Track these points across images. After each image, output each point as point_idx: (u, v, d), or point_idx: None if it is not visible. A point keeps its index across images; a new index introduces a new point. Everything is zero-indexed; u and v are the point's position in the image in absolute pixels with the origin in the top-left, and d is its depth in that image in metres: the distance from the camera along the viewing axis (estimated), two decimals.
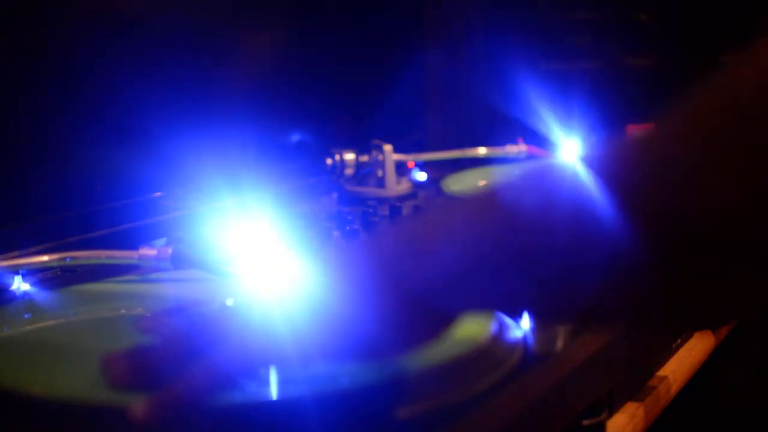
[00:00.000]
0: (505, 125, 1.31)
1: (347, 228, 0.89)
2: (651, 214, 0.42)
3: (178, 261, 0.72)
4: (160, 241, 0.76)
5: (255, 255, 0.70)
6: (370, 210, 0.96)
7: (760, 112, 0.40)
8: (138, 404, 0.43)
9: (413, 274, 0.44)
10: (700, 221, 0.41)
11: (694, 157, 0.41)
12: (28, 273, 0.73)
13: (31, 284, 0.72)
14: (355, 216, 0.94)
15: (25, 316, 0.64)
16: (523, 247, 0.43)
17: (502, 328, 0.55)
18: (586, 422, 0.57)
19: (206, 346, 0.44)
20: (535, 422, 0.51)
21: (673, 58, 1.28)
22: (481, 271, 0.44)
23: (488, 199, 0.45)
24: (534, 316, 0.53)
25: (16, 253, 0.75)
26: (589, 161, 0.44)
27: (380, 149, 1.13)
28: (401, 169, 1.18)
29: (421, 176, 1.20)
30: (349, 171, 1.13)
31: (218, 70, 1.04)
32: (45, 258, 0.73)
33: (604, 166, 0.43)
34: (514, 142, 1.26)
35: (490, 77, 1.42)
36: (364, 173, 1.14)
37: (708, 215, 0.41)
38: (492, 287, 0.45)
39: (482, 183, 1.11)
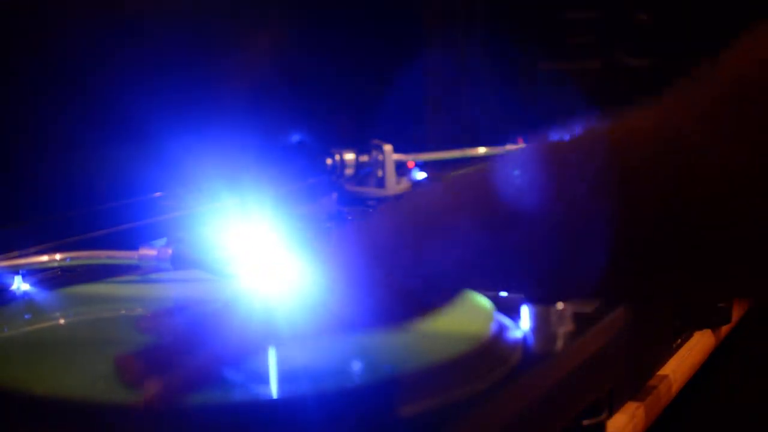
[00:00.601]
0: (505, 125, 1.31)
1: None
2: (648, 203, 0.41)
3: (178, 261, 0.72)
4: (160, 241, 0.76)
5: (255, 255, 0.70)
6: (370, 210, 0.96)
7: (763, 92, 0.39)
8: (138, 400, 0.43)
9: (408, 265, 0.44)
10: (700, 213, 0.41)
11: (695, 137, 0.41)
12: (28, 273, 0.73)
13: (31, 284, 0.72)
14: (355, 216, 0.94)
15: (25, 316, 0.64)
16: (521, 239, 0.43)
17: (502, 328, 0.55)
18: (586, 422, 0.57)
19: (206, 345, 0.44)
20: (535, 422, 0.51)
21: (673, 58, 1.28)
22: (479, 262, 0.44)
23: (484, 190, 0.45)
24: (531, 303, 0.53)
25: (16, 253, 0.75)
26: (583, 145, 0.43)
27: (380, 149, 1.13)
28: (401, 169, 1.18)
29: (421, 176, 1.20)
30: (349, 171, 1.13)
31: (218, 70, 1.04)
32: (45, 258, 0.73)
33: (599, 151, 0.43)
34: (514, 142, 1.27)
35: (490, 77, 1.42)
36: (364, 173, 1.14)
37: (708, 199, 0.40)
38: (490, 278, 0.45)
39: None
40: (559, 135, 0.44)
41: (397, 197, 1.10)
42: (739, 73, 0.41)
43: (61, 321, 0.64)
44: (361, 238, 0.47)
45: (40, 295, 0.68)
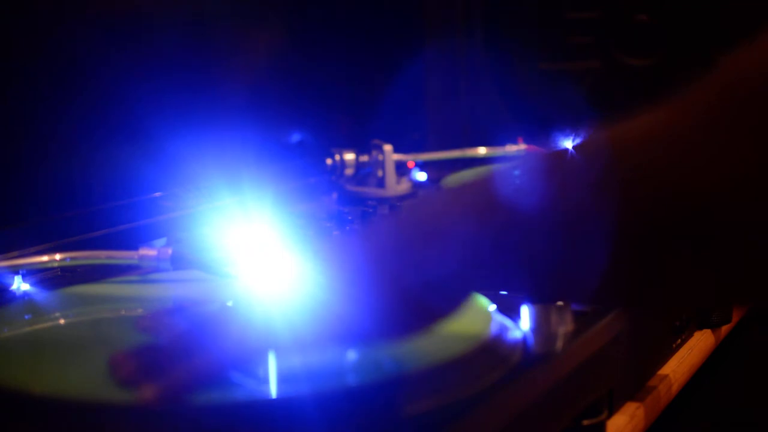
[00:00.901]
0: (505, 125, 1.31)
1: (347, 228, 0.89)
2: (648, 206, 0.42)
3: (178, 261, 0.72)
4: (160, 241, 0.76)
5: (255, 255, 0.70)
6: (370, 210, 0.96)
7: (760, 95, 0.40)
8: (132, 399, 0.43)
9: (411, 270, 0.44)
10: (701, 215, 0.41)
11: (695, 139, 0.41)
12: (28, 273, 0.73)
13: (31, 284, 0.72)
14: (355, 216, 0.94)
15: (25, 316, 0.64)
16: (522, 240, 0.43)
17: (502, 328, 0.55)
18: (586, 422, 0.57)
19: (206, 345, 0.44)
20: (535, 422, 0.51)
21: (673, 58, 1.28)
22: (481, 263, 0.44)
23: (486, 193, 0.45)
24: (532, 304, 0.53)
25: (16, 253, 0.75)
26: (584, 148, 0.43)
27: (380, 149, 1.13)
28: (401, 169, 1.18)
29: (421, 176, 1.20)
30: (349, 171, 1.13)
31: (218, 69, 1.05)
32: (45, 258, 0.73)
33: (600, 154, 0.43)
34: (514, 142, 1.27)
35: (490, 77, 1.42)
36: (364, 173, 1.14)
37: (708, 201, 0.41)
38: (491, 279, 0.45)
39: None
40: (561, 141, 0.44)
41: (398, 197, 1.10)
42: (738, 74, 0.41)
43: (61, 321, 0.64)
44: (366, 243, 0.47)
45: (40, 295, 0.68)
